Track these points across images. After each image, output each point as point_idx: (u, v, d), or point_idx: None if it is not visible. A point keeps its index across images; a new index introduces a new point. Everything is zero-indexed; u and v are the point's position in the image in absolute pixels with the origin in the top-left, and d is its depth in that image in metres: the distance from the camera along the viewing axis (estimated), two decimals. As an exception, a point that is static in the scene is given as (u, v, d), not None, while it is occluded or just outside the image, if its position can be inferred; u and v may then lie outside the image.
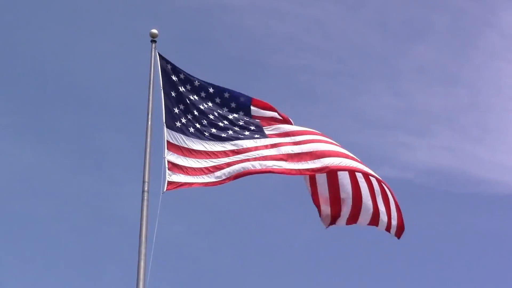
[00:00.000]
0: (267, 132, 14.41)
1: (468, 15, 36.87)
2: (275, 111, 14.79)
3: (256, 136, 14.26)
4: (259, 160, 13.72)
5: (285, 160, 13.77)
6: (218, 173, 13.53)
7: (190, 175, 13.44)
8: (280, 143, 14.13)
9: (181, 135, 13.90)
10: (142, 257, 12.03)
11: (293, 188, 32.74)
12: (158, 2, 35.67)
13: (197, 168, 13.58)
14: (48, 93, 34.52)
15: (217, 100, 14.61)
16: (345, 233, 31.93)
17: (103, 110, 34.21)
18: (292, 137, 14.26)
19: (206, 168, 13.60)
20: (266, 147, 14.02)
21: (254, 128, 14.41)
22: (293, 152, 13.91)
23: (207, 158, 13.74)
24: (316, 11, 36.47)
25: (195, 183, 13.40)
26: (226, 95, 14.65)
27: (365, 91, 35.64)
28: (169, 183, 13.18)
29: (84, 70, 34.75)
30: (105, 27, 35.70)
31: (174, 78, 14.40)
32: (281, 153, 13.92)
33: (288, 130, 14.43)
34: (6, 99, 33.78)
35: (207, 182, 13.47)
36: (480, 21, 36.63)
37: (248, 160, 13.71)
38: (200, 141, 13.98)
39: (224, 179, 13.48)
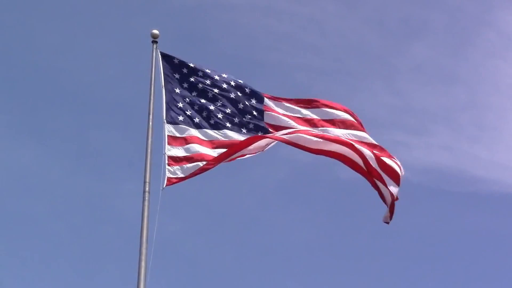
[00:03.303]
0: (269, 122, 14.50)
1: (465, 14, 36.94)
2: (289, 101, 14.82)
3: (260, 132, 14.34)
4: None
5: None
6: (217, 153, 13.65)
7: (191, 163, 13.49)
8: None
9: (185, 126, 13.94)
10: (143, 257, 12.02)
11: (292, 188, 32.92)
12: (155, 0, 35.74)
13: (199, 153, 13.65)
14: (48, 91, 34.49)
15: (232, 83, 14.67)
16: (343, 232, 32.13)
17: (102, 109, 34.21)
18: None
19: (207, 154, 13.66)
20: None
21: (258, 119, 14.48)
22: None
23: (211, 147, 13.81)
24: (313, 9, 36.52)
25: (194, 172, 13.42)
26: (232, 82, 14.72)
27: (362, 89, 35.67)
28: (169, 179, 13.23)
29: (83, 68, 34.75)
30: (103, 25, 35.72)
31: (178, 74, 14.47)
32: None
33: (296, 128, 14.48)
34: (6, 97, 33.83)
35: (206, 164, 13.50)
36: (478, 19, 36.70)
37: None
38: (205, 130, 14.04)
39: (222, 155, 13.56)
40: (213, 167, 13.51)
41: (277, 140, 13.86)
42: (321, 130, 14.32)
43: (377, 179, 13.78)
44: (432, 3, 36.98)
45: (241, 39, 36.01)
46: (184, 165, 13.47)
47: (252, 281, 29.80)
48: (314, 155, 14.01)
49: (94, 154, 32.67)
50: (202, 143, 13.86)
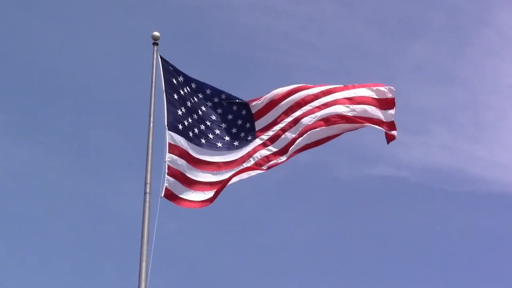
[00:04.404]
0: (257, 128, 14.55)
1: (464, 13, 36.96)
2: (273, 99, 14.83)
3: (249, 138, 14.40)
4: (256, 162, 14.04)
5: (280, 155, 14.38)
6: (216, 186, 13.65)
7: (189, 188, 13.51)
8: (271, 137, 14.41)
9: (183, 138, 13.86)
10: (144, 258, 12.03)
11: (291, 188, 32.91)
12: (155, 0, 35.76)
13: (197, 181, 13.64)
14: (47, 91, 34.54)
15: (215, 99, 14.69)
16: (343, 232, 32.13)
17: (102, 109, 34.25)
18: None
19: (206, 183, 13.67)
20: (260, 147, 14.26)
21: (247, 127, 14.53)
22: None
23: (206, 170, 13.83)
24: (312, 8, 36.53)
25: (193, 202, 13.42)
26: (223, 96, 14.74)
27: (361, 89, 35.58)
28: (167, 190, 13.17)
29: (83, 68, 34.79)
30: (103, 25, 35.74)
31: (175, 80, 14.45)
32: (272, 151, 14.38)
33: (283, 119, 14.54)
34: (5, 97, 33.84)
35: (206, 200, 13.52)
36: (477, 19, 36.73)
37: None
38: (198, 148, 14.02)
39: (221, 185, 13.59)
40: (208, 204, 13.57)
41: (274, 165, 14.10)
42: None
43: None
44: (431, 3, 37.05)
45: (241, 39, 36.07)
46: (183, 186, 13.47)
47: (252, 281, 29.83)
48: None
49: (94, 154, 32.70)
50: (196, 165, 13.80)
